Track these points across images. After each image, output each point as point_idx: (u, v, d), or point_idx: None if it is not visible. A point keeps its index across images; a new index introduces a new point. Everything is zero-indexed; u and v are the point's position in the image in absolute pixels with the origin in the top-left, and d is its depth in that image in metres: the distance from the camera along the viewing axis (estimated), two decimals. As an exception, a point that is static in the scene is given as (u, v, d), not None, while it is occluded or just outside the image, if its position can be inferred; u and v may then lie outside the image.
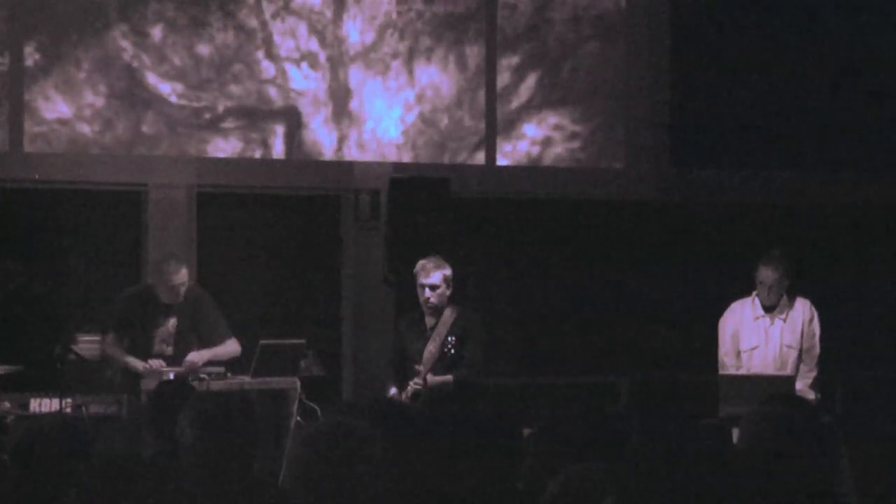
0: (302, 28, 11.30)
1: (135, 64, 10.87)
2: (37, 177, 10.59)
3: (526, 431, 4.41)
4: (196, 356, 9.31)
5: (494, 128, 11.76)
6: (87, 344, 9.68)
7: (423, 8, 11.60)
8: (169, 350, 9.40)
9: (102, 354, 9.46)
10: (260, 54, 11.18)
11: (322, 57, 11.35)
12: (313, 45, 11.33)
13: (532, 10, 11.85)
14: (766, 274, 9.22)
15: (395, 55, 11.52)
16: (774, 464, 4.14)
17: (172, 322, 9.42)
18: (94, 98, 10.78)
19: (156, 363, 9.24)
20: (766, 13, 12.15)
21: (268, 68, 11.20)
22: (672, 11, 12.05)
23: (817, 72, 12.21)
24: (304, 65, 11.30)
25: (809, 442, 4.24)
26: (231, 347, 9.52)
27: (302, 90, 11.30)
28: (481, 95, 11.74)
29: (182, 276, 9.40)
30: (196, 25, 11.00)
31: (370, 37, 11.46)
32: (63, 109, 10.72)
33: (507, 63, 11.81)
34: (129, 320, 9.42)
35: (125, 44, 10.84)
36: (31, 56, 10.67)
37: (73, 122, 10.75)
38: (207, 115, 11.07)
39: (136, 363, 9.27)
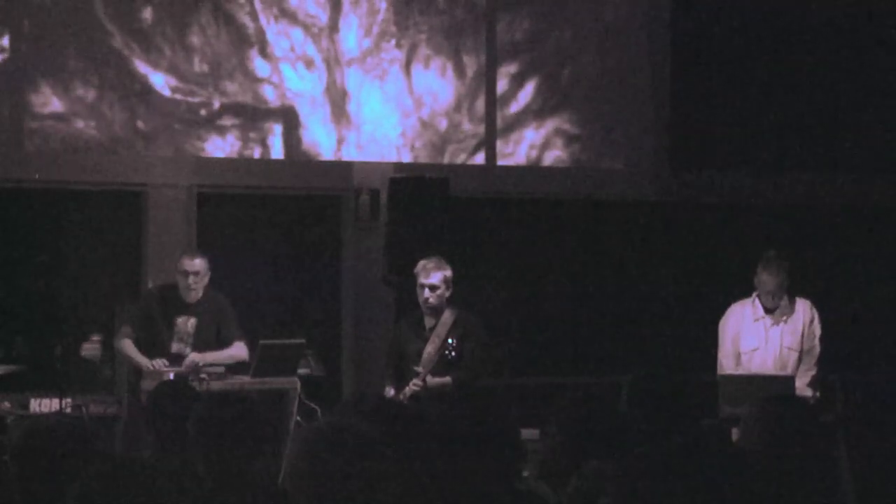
0: (297, 31, 11.28)
1: (125, 52, 10.83)
2: (37, 177, 10.58)
3: (525, 432, 4.41)
4: (198, 357, 9.29)
5: (494, 131, 11.74)
6: (87, 344, 9.68)
7: (420, 19, 11.58)
8: (187, 350, 9.36)
9: (114, 345, 9.45)
10: (254, 52, 11.16)
11: (318, 60, 11.33)
12: (309, 48, 11.31)
13: (532, 17, 11.83)
14: (768, 279, 9.16)
15: (392, 61, 11.50)
16: (774, 464, 4.14)
17: (192, 322, 9.42)
18: (88, 94, 10.75)
19: (158, 363, 9.23)
20: (765, 14, 12.15)
21: (262, 67, 11.18)
22: (672, 14, 12.05)
23: (817, 73, 12.21)
24: (299, 65, 11.28)
25: (809, 442, 4.24)
26: (238, 351, 9.50)
27: (298, 91, 11.29)
28: (480, 101, 11.72)
29: (198, 264, 9.41)
30: (189, 22, 10.99)
31: (368, 44, 11.45)
32: (56, 105, 10.68)
33: (506, 70, 11.80)
34: (150, 317, 9.42)
35: (118, 37, 10.81)
36: (27, 52, 10.65)
37: (68, 118, 10.72)
38: (203, 112, 11.05)
39: (142, 360, 9.25)
